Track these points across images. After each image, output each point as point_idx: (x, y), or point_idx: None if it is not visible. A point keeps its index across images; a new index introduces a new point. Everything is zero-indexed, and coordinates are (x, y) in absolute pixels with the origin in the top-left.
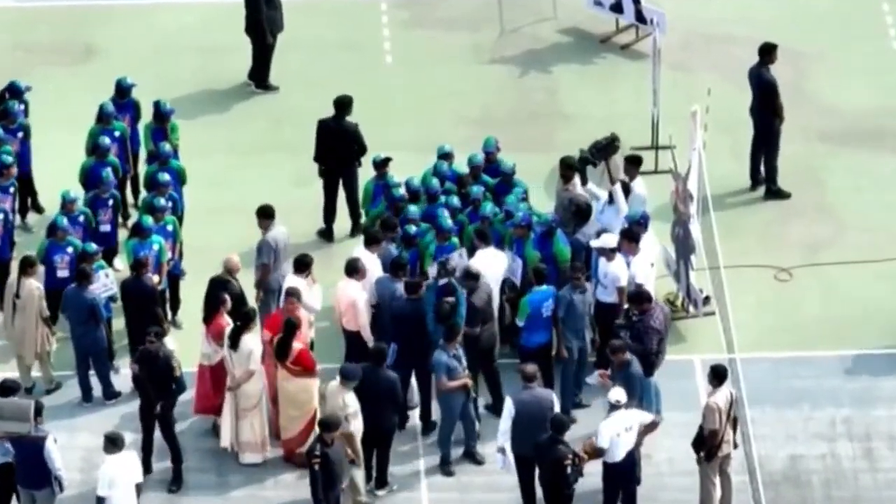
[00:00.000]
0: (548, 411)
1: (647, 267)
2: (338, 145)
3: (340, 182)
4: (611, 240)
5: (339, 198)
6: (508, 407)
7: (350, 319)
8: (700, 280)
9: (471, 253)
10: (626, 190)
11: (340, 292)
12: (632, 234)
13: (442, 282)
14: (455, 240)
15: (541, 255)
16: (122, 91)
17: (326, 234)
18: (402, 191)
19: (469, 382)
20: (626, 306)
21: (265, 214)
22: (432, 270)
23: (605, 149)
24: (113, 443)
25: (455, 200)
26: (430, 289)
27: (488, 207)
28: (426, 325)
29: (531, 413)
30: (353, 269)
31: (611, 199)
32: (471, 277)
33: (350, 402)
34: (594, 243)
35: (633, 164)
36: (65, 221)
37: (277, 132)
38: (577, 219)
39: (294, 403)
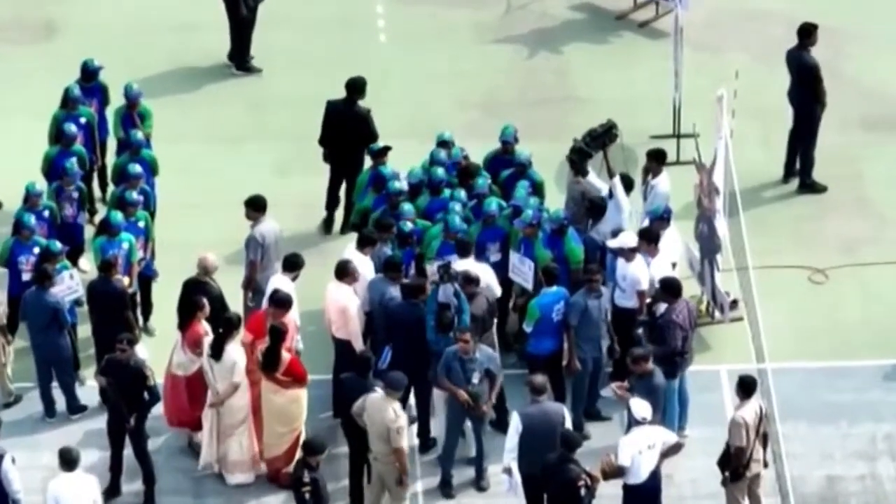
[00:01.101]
0: (558, 427)
1: (668, 268)
2: (347, 131)
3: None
4: (630, 239)
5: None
6: (515, 423)
7: (340, 327)
8: (727, 282)
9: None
10: (627, 183)
11: (330, 297)
12: (651, 234)
13: (444, 288)
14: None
15: (552, 256)
16: (88, 74)
17: (327, 223)
18: (398, 184)
19: (465, 397)
20: (648, 300)
21: (255, 206)
22: (431, 269)
23: (601, 137)
24: (65, 460)
25: (462, 194)
26: (430, 294)
27: (493, 204)
28: (425, 332)
29: (540, 429)
30: (344, 272)
31: (610, 194)
32: (470, 282)
33: (401, 414)
34: (611, 243)
35: (656, 159)
36: (32, 219)
37: (259, 118)
38: (591, 215)
39: (282, 418)
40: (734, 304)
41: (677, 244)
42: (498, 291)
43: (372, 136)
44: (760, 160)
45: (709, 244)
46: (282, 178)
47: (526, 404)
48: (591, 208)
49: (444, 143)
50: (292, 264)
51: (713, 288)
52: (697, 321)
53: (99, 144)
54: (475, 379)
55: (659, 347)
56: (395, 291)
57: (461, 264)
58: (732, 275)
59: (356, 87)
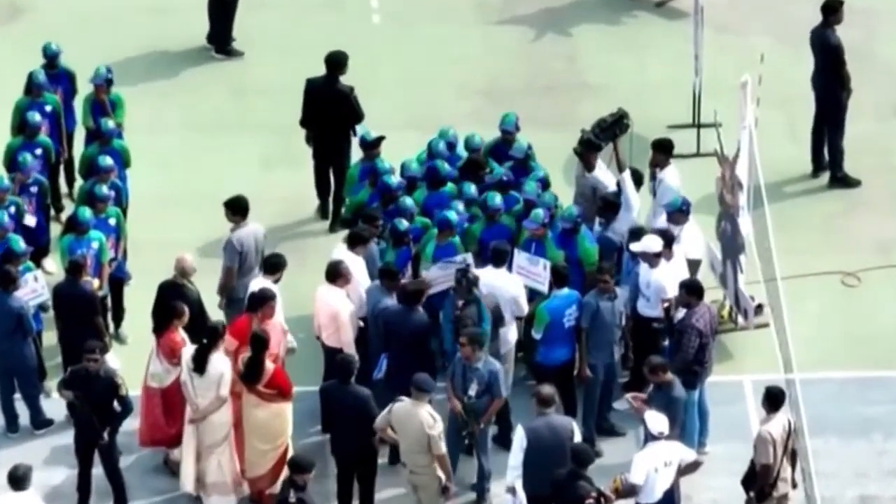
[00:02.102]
0: (566, 442)
1: (684, 272)
2: (328, 111)
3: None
4: (654, 243)
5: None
6: (519, 437)
7: (331, 334)
8: (751, 285)
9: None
10: (637, 179)
11: (320, 301)
12: (665, 237)
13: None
14: (456, 239)
15: (567, 256)
16: (48, 59)
17: (323, 210)
18: (395, 178)
19: (457, 408)
20: (667, 304)
21: (234, 209)
22: (429, 274)
23: (611, 128)
24: (12, 478)
25: (472, 189)
26: (447, 301)
27: (497, 198)
28: (425, 340)
29: (546, 445)
30: (335, 274)
31: (619, 190)
32: (465, 287)
33: (437, 417)
34: (635, 247)
35: (662, 150)
36: (5, 217)
37: (241, 106)
38: (605, 213)
39: (265, 434)
40: (759, 308)
41: (699, 240)
42: (525, 309)
43: (356, 115)
44: (787, 152)
45: (731, 244)
46: (266, 172)
47: (532, 418)
48: (604, 206)
49: (447, 145)
50: (273, 266)
51: (736, 292)
52: (719, 327)
53: (65, 135)
54: (472, 391)
55: (681, 356)
56: (389, 301)
57: (490, 273)
58: (757, 277)
59: (337, 62)
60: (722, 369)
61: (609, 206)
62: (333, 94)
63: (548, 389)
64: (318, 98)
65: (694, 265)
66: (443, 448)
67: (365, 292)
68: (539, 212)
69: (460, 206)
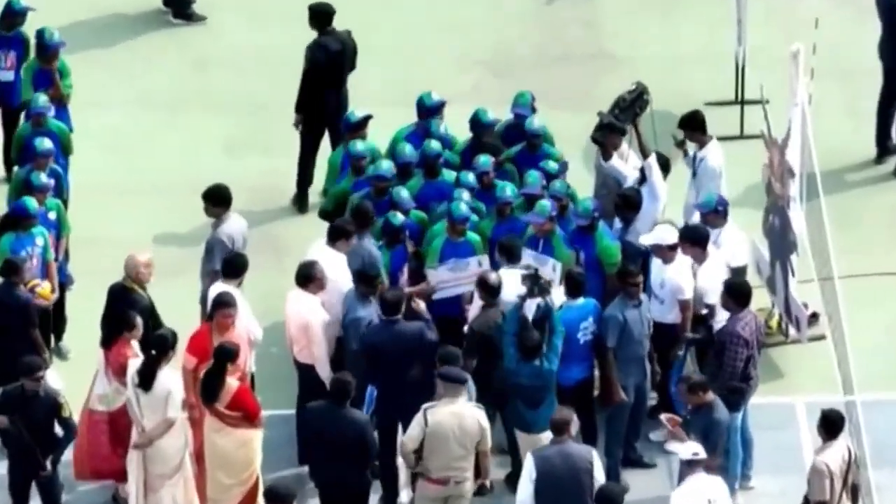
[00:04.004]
0: (582, 475)
1: (720, 278)
2: (344, 71)
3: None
4: (668, 234)
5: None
6: (529, 468)
7: (303, 348)
8: (804, 290)
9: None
10: (664, 164)
11: (290, 309)
12: (697, 235)
13: (529, 304)
14: (474, 236)
15: (582, 257)
16: (13, 15)
17: (300, 202)
18: (388, 164)
19: None
20: (705, 311)
21: (217, 199)
22: (436, 275)
23: (632, 107)
24: None
25: (470, 178)
26: (510, 312)
27: (508, 189)
28: (423, 357)
29: (559, 477)
30: (307, 278)
31: (643, 178)
32: (486, 291)
33: (481, 406)
34: (645, 238)
35: (692, 126)
36: None
37: (204, 80)
38: (623, 212)
39: (229, 466)
40: (814, 318)
41: (743, 243)
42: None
43: (352, 66)
44: (847, 133)
45: (781, 242)
46: (232, 157)
47: (543, 446)
48: (623, 205)
49: (433, 109)
50: (234, 268)
51: (787, 298)
52: (767, 340)
53: (8, 111)
54: None
55: (723, 372)
56: (365, 312)
57: (506, 273)
58: (812, 281)
59: (328, 14)
60: (770, 389)
61: (629, 204)
62: (345, 47)
63: (563, 413)
64: (333, 62)
65: (739, 273)
66: (490, 443)
67: (342, 301)
68: (545, 203)
69: (465, 195)
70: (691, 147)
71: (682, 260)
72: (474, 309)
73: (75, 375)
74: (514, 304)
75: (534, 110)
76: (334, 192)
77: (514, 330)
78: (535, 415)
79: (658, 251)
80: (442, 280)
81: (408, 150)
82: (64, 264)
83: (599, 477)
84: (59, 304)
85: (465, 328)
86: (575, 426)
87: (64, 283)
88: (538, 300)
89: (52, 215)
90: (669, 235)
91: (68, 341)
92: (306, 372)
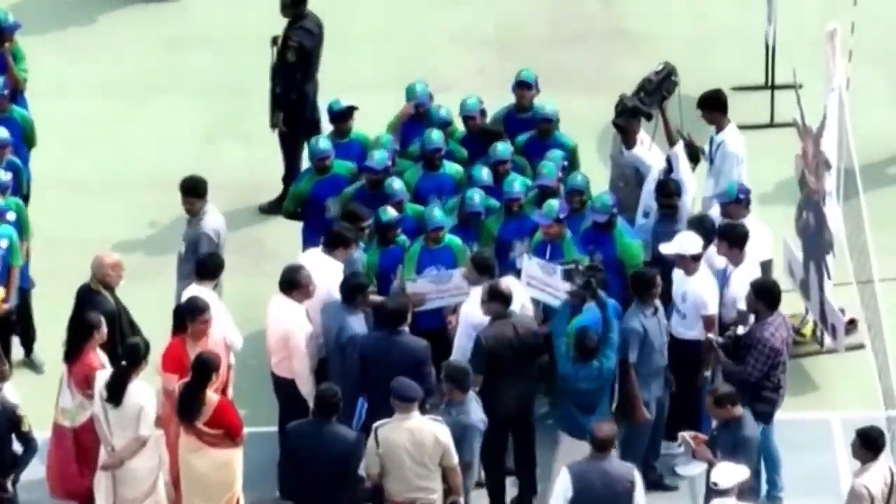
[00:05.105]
0: (622, 499)
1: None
2: (319, 58)
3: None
4: (691, 243)
5: None
6: (565, 485)
7: (282, 361)
8: (841, 294)
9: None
10: (693, 154)
11: (271, 317)
12: (735, 233)
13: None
14: (455, 241)
15: (599, 259)
16: None
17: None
18: (378, 156)
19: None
20: (735, 315)
21: (196, 192)
22: (414, 288)
23: (658, 89)
24: None
25: (485, 174)
26: (561, 309)
27: (517, 183)
28: (422, 372)
29: (597, 497)
30: (292, 283)
31: (669, 169)
32: (497, 301)
33: (442, 420)
34: (666, 248)
35: (714, 106)
36: None
37: (178, 63)
38: (659, 203)
39: (207, 490)
40: (852, 325)
41: (766, 238)
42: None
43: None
44: (889, 122)
45: (816, 241)
46: (210, 147)
47: (579, 462)
48: (662, 194)
49: (443, 124)
50: (209, 268)
51: (822, 303)
52: (801, 349)
53: None
54: None
55: (737, 369)
56: (360, 327)
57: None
58: (850, 285)
59: None
60: (803, 404)
61: (666, 192)
62: (323, 32)
63: (607, 428)
64: (316, 50)
65: (766, 269)
66: (456, 458)
67: (321, 311)
68: (553, 203)
69: (476, 196)
70: (709, 130)
71: (705, 271)
72: (464, 323)
73: (41, 388)
74: (562, 303)
75: (538, 90)
76: (295, 192)
77: (565, 331)
78: (592, 420)
79: (681, 262)
80: (421, 293)
81: (435, 135)
82: (26, 269)
83: (640, 500)
84: (26, 313)
85: (474, 343)
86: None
87: (27, 290)
88: (585, 291)
89: (10, 216)
90: (693, 244)
91: (38, 351)
92: (284, 387)
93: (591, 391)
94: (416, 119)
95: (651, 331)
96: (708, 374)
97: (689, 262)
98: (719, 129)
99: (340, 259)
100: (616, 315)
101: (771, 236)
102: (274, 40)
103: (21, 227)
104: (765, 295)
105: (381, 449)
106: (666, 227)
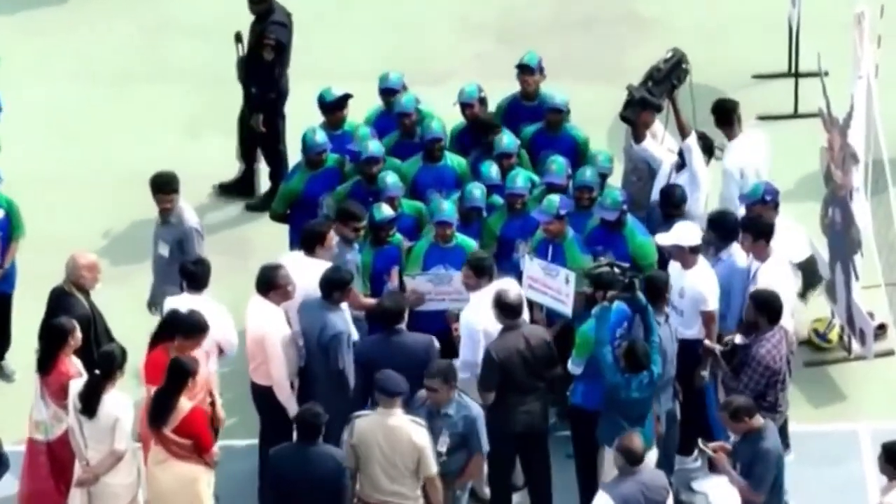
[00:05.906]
0: None
1: (786, 281)
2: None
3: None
4: (689, 234)
5: None
6: None
7: (259, 366)
8: (870, 297)
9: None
10: (708, 147)
11: (248, 320)
12: (760, 225)
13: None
14: (468, 242)
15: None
16: None
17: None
18: (374, 146)
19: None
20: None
21: (169, 186)
22: (413, 285)
23: (668, 78)
24: None
25: (494, 171)
26: (600, 313)
27: (521, 178)
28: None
29: None
30: (269, 284)
31: (682, 163)
32: (505, 311)
33: (424, 424)
34: (662, 239)
35: (717, 119)
36: None
37: (155, 49)
38: (663, 210)
39: None
40: (881, 330)
41: (802, 242)
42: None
43: None
44: None
45: (843, 240)
46: (191, 139)
47: (616, 480)
48: (665, 202)
49: (389, 91)
50: (198, 277)
51: (849, 306)
52: (826, 357)
53: None
54: (442, 446)
55: (732, 388)
56: (338, 321)
57: (478, 296)
58: (879, 287)
59: None
60: (830, 414)
61: (669, 200)
62: (291, 23)
63: (637, 440)
64: (289, 43)
65: (807, 270)
66: (435, 467)
67: (298, 310)
68: (554, 199)
69: (477, 191)
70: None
71: (704, 265)
72: (466, 332)
73: (15, 399)
74: (600, 308)
75: (543, 75)
76: (284, 192)
77: (610, 338)
78: (642, 431)
79: (677, 254)
80: (419, 291)
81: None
82: (12, 271)
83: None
84: (4, 316)
85: (483, 358)
86: None
87: (8, 294)
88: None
89: None
90: (690, 235)
91: (10, 359)
92: (262, 395)
93: (643, 400)
94: (389, 113)
95: (664, 339)
96: (705, 373)
97: (687, 255)
98: (730, 137)
99: (325, 258)
100: (627, 318)
101: (806, 237)
102: (237, 36)
103: (11, 227)
104: (766, 308)
105: (353, 439)
106: (669, 229)
